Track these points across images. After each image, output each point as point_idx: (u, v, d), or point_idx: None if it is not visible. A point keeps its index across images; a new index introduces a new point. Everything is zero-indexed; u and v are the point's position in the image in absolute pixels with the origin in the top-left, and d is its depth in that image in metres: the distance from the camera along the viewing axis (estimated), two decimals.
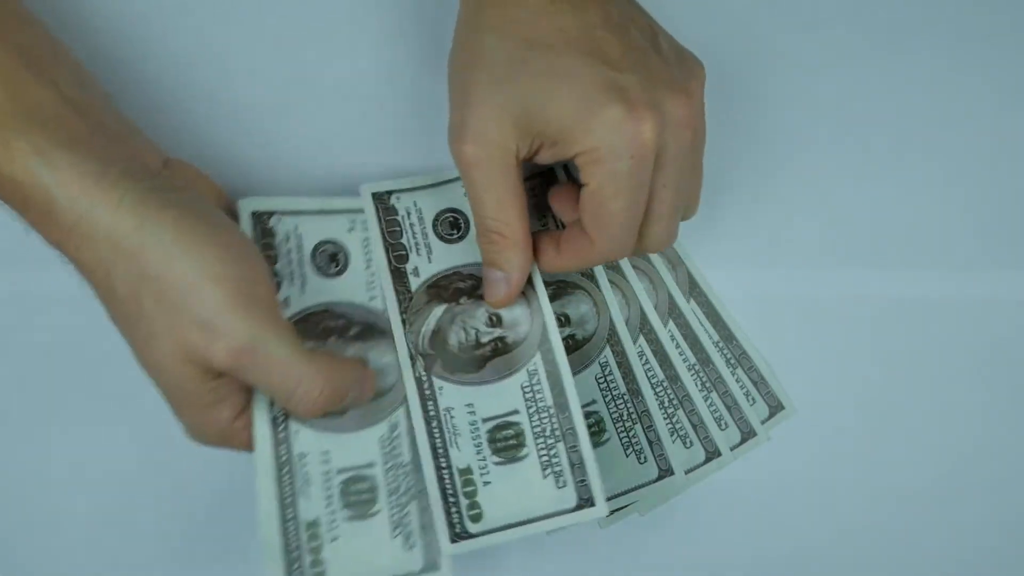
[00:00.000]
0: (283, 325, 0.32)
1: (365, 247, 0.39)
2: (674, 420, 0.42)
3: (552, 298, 0.40)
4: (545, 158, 0.34)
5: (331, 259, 0.38)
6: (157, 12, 0.42)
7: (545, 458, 0.37)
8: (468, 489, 0.36)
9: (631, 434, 0.41)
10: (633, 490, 0.41)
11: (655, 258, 0.43)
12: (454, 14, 0.36)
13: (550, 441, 0.37)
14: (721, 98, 0.44)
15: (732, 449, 0.42)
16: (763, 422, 0.43)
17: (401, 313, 0.39)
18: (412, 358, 0.38)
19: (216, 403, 0.33)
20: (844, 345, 0.43)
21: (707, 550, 0.42)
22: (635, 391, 0.42)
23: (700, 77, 0.36)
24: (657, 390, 0.42)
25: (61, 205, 0.31)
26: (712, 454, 0.42)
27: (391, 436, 0.36)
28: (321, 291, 0.37)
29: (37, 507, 0.41)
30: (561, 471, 0.36)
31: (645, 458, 0.41)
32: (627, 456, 0.41)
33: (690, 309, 0.43)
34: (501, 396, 0.38)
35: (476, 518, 0.36)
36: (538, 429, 0.37)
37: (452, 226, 0.40)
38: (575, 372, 0.40)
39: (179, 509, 0.41)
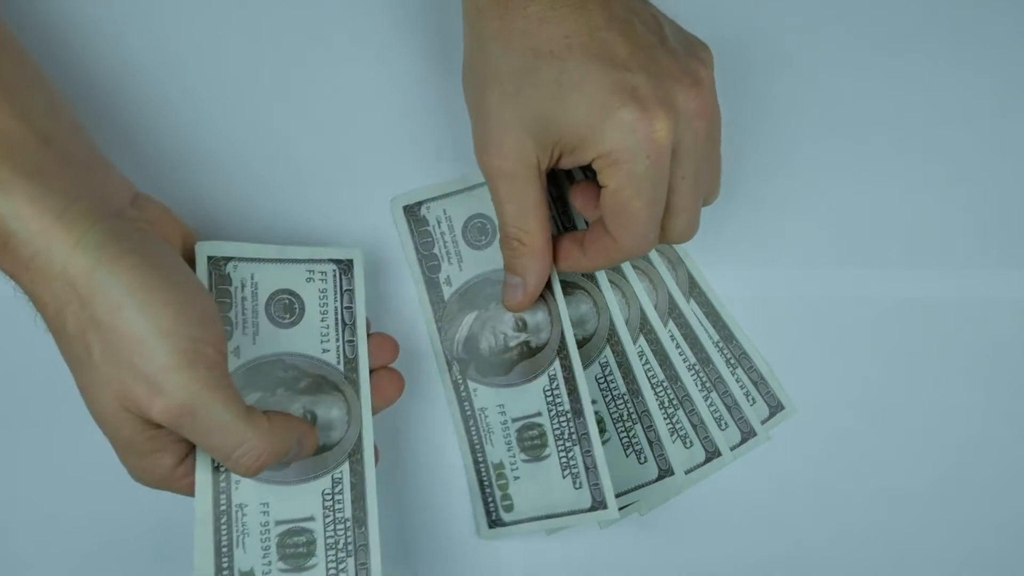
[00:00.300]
0: (226, 387, 0.32)
1: (322, 298, 0.38)
2: (674, 420, 0.42)
3: None
4: (567, 164, 0.35)
5: (286, 309, 0.38)
6: (139, 41, 0.42)
7: (564, 459, 0.39)
8: (501, 482, 0.40)
9: (631, 434, 0.42)
10: (633, 490, 0.41)
11: (655, 258, 0.43)
12: (448, 26, 0.36)
13: (568, 443, 0.39)
14: (721, 98, 0.44)
15: (732, 449, 0.42)
16: (763, 422, 0.43)
17: (436, 321, 0.41)
18: (448, 363, 0.41)
19: (156, 452, 0.33)
20: (844, 345, 0.43)
21: (707, 550, 0.42)
22: (635, 391, 0.42)
23: (708, 62, 0.36)
24: (657, 390, 0.42)
25: (19, 238, 0.30)
26: (712, 454, 0.42)
27: (333, 491, 0.36)
28: (273, 341, 0.37)
29: (38, 508, 0.41)
30: (578, 473, 0.39)
31: (645, 458, 0.41)
32: (627, 456, 0.41)
33: (690, 309, 0.43)
34: (527, 398, 0.40)
35: (508, 508, 0.40)
36: (558, 432, 0.39)
37: (480, 232, 0.41)
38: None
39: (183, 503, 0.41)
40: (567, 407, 0.39)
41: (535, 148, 0.34)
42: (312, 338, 0.38)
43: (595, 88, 0.32)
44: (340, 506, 0.36)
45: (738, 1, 0.45)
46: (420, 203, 0.42)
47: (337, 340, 0.38)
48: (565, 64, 0.33)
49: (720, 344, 0.43)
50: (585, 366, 0.41)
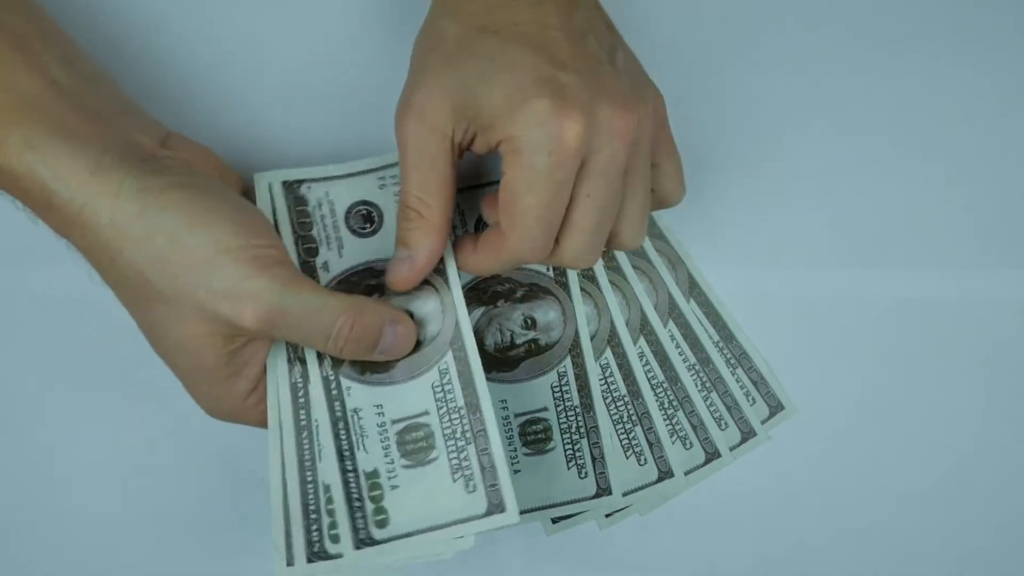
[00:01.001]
0: (302, 278, 0.33)
1: (397, 201, 0.39)
2: (674, 421, 0.42)
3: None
4: (480, 146, 0.34)
5: (365, 219, 0.39)
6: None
7: (570, 451, 0.40)
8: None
9: (631, 436, 0.42)
10: (633, 492, 0.41)
11: (655, 258, 0.43)
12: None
13: (576, 437, 0.40)
14: (721, 98, 0.44)
15: (732, 449, 0.42)
16: (763, 422, 0.43)
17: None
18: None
19: (233, 376, 0.34)
20: (844, 345, 0.44)
21: (707, 550, 0.42)
22: (635, 392, 0.42)
23: (652, 103, 0.35)
24: (657, 391, 0.42)
25: (61, 197, 0.31)
26: (712, 455, 0.42)
27: (442, 382, 0.36)
28: (359, 251, 0.38)
29: (42, 504, 0.41)
30: (584, 463, 0.39)
31: (645, 460, 0.41)
32: (627, 458, 0.41)
33: (690, 309, 0.43)
34: (533, 394, 0.40)
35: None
36: (564, 425, 0.40)
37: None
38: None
39: (184, 502, 0.41)
40: (576, 402, 0.40)
41: (453, 119, 0.33)
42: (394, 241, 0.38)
43: (523, 73, 0.32)
44: (452, 395, 0.36)
45: (738, 1, 0.44)
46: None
47: None
48: (505, 45, 0.33)
49: (720, 344, 0.43)
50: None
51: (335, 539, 0.34)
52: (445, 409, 0.36)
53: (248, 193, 0.38)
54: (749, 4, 0.45)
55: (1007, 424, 0.43)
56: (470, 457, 0.36)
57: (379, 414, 0.36)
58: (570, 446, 0.40)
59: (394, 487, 0.35)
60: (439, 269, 0.37)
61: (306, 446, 0.35)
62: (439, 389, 0.36)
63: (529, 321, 0.41)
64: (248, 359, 0.34)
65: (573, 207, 0.34)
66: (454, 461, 0.36)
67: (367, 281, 0.38)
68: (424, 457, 0.35)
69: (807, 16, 0.45)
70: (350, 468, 0.35)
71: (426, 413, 0.36)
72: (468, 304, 0.39)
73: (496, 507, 0.35)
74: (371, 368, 0.36)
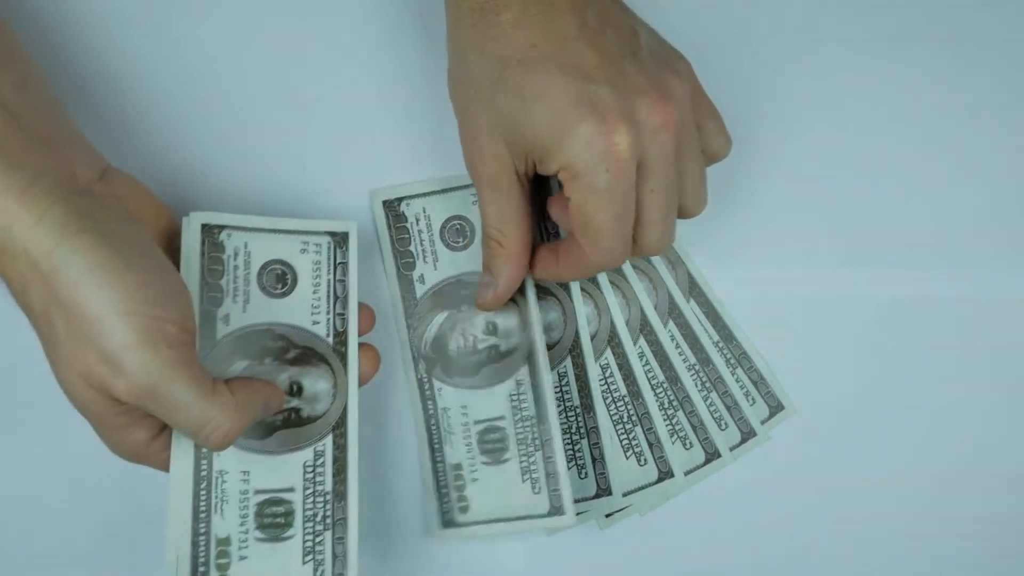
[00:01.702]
0: (189, 365, 0.32)
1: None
2: (674, 421, 0.42)
3: None
4: (543, 171, 0.35)
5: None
6: (124, 15, 0.42)
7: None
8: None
9: (631, 436, 0.42)
10: (633, 492, 0.41)
11: (655, 258, 0.43)
12: (432, 22, 0.36)
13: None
14: (721, 98, 0.44)
15: (732, 449, 0.42)
16: (763, 422, 0.43)
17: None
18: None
19: (128, 426, 0.33)
20: (844, 345, 0.44)
21: (707, 550, 0.42)
22: (635, 393, 0.42)
23: (684, 73, 0.35)
24: (657, 391, 0.42)
25: None
26: (712, 455, 0.42)
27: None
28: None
29: (38, 510, 0.41)
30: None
31: (645, 460, 0.41)
32: (627, 458, 0.41)
33: (690, 309, 0.43)
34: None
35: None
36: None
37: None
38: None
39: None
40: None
41: (511, 154, 0.35)
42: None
43: (557, 100, 0.33)
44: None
45: (738, 0, 0.44)
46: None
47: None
48: (530, 73, 0.33)
49: (720, 344, 0.43)
50: (586, 367, 0.41)
51: None
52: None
53: (178, 235, 0.37)
54: (749, 3, 0.45)
55: (1007, 424, 0.44)
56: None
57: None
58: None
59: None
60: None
61: (203, 497, 0.35)
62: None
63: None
64: (142, 415, 0.33)
65: (641, 205, 0.35)
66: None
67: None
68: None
69: (808, 15, 0.45)
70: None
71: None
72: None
73: (557, 509, 0.38)
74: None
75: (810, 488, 0.43)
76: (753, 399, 0.43)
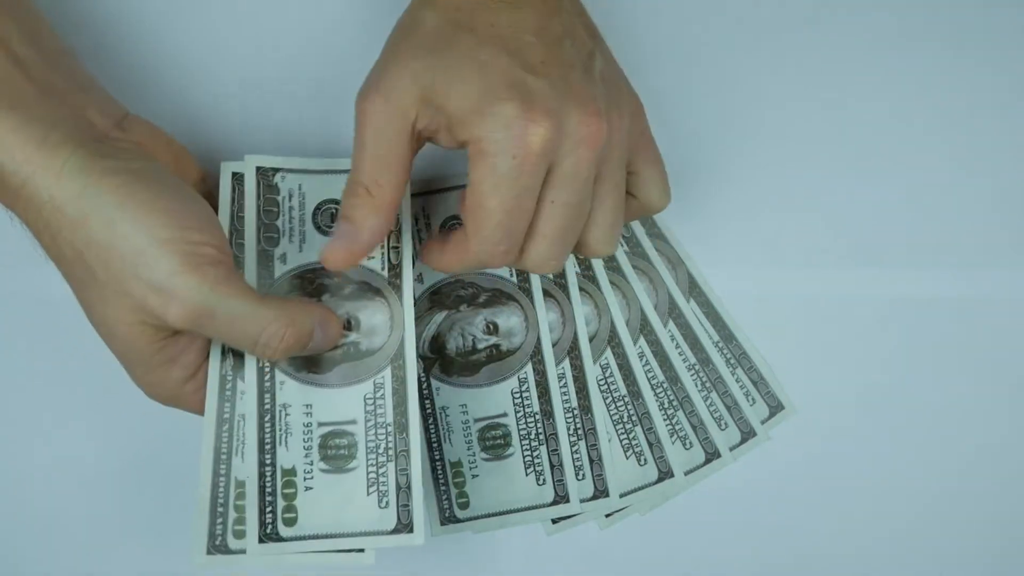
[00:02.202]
0: (235, 280, 0.33)
1: None
2: (674, 421, 0.42)
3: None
4: (445, 141, 0.34)
5: (333, 217, 0.38)
6: None
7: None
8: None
9: (631, 436, 0.42)
10: (633, 492, 0.41)
11: (655, 258, 0.43)
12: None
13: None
14: (721, 97, 0.44)
15: (732, 449, 0.42)
16: (763, 422, 0.43)
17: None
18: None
19: (166, 363, 0.34)
20: (844, 345, 0.43)
21: (707, 550, 0.42)
22: (635, 393, 0.42)
23: (627, 109, 0.35)
24: (657, 391, 0.42)
25: (7, 169, 0.31)
26: (712, 455, 0.42)
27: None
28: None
29: (37, 505, 0.41)
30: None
31: (645, 460, 0.41)
32: (627, 458, 0.41)
33: (690, 309, 0.43)
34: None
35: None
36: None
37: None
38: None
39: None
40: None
41: (417, 104, 0.33)
42: None
43: (495, 75, 0.32)
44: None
45: (739, 0, 0.44)
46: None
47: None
48: (480, 44, 0.33)
49: (720, 344, 0.43)
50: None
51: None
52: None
53: (206, 181, 0.38)
54: (750, 2, 0.45)
55: (1007, 424, 0.43)
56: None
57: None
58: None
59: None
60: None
61: (224, 439, 0.35)
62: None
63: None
64: (183, 348, 0.34)
65: (538, 213, 0.33)
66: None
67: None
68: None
69: (808, 14, 0.45)
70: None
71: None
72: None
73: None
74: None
75: (810, 488, 0.43)
76: (753, 399, 0.43)
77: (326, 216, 0.38)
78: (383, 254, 0.38)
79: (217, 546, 0.34)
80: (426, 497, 0.40)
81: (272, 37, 0.43)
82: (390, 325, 0.37)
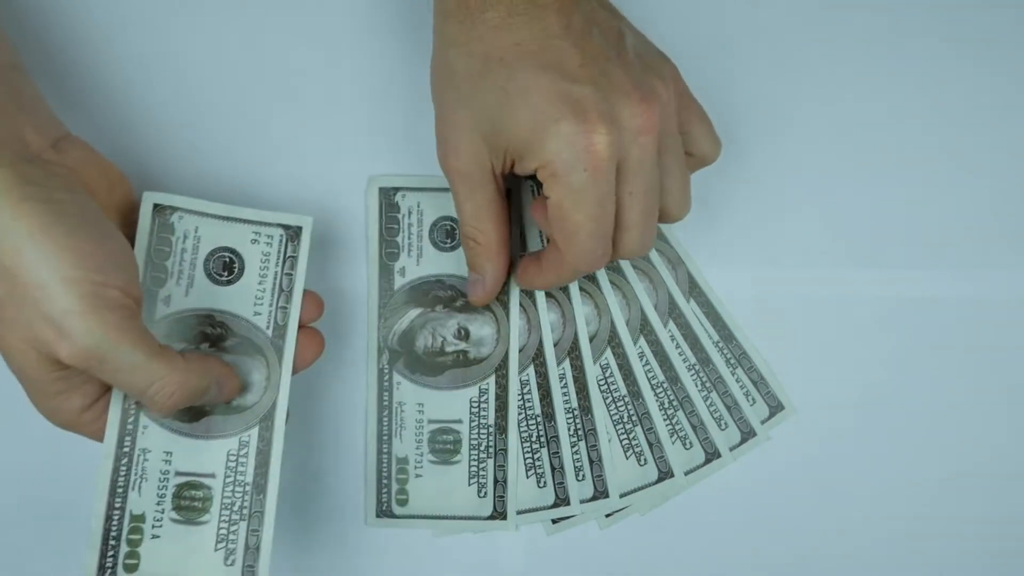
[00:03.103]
0: (135, 328, 0.32)
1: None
2: (674, 421, 0.42)
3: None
4: (520, 170, 0.35)
5: (225, 266, 0.38)
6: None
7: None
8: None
9: (631, 436, 0.42)
10: (634, 492, 0.41)
11: (655, 258, 0.43)
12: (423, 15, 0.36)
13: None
14: (721, 97, 0.44)
15: (732, 449, 0.42)
16: (763, 422, 0.43)
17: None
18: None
19: (63, 392, 0.33)
20: (844, 345, 0.44)
21: (707, 550, 0.42)
22: (636, 393, 0.42)
23: (668, 77, 0.35)
24: (657, 391, 0.42)
25: None
26: (712, 455, 0.42)
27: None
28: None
29: (35, 504, 0.41)
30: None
31: (645, 460, 0.41)
32: (627, 458, 0.41)
33: (690, 309, 0.43)
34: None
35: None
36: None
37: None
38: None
39: None
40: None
41: (488, 151, 0.35)
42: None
43: (539, 98, 0.32)
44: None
45: (738, 0, 0.44)
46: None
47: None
48: (513, 71, 0.33)
49: (720, 344, 0.43)
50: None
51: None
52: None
53: (136, 208, 0.37)
54: (748, 3, 0.45)
55: (1007, 424, 0.44)
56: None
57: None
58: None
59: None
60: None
61: (122, 473, 0.35)
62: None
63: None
64: (83, 379, 0.33)
65: (620, 207, 0.34)
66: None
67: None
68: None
69: (807, 14, 0.45)
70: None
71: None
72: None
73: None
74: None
75: (810, 488, 0.43)
76: (753, 399, 0.43)
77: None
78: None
79: None
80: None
81: (237, 78, 0.43)
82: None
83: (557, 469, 0.41)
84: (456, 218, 0.40)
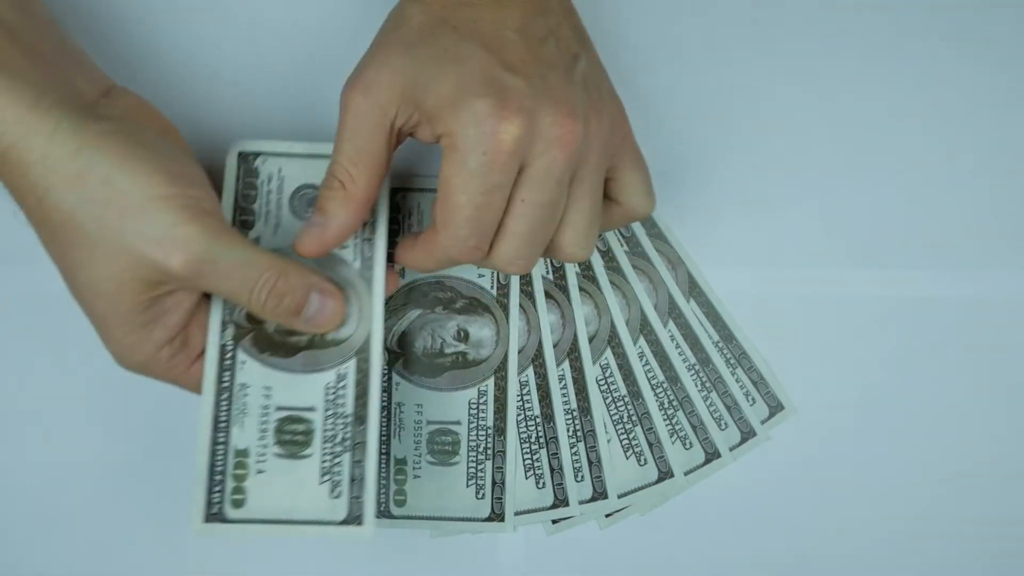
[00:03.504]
0: (233, 231, 0.33)
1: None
2: (674, 421, 0.42)
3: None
4: (423, 135, 0.34)
5: (309, 204, 0.38)
6: None
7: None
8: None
9: (631, 436, 0.42)
10: (633, 492, 0.41)
11: (655, 258, 0.43)
12: None
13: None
14: (721, 98, 0.44)
15: (732, 449, 0.42)
16: (763, 422, 0.43)
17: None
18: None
19: (149, 323, 0.33)
20: (844, 345, 0.44)
21: (707, 550, 0.42)
22: (635, 393, 0.42)
23: (608, 113, 0.34)
24: (657, 391, 0.42)
25: None
26: (712, 455, 0.42)
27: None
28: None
29: (38, 501, 0.41)
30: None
31: (645, 460, 0.41)
32: (627, 458, 0.42)
33: (690, 309, 0.43)
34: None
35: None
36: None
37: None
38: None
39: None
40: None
41: (398, 100, 0.33)
42: None
43: (472, 70, 0.32)
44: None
45: (738, 0, 0.44)
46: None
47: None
48: (460, 39, 0.33)
49: (720, 344, 0.43)
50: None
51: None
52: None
53: (191, 156, 0.37)
54: (748, 3, 0.45)
55: (1007, 424, 0.44)
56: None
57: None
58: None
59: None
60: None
61: (224, 408, 0.35)
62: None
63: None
64: (169, 308, 0.34)
65: (508, 211, 0.33)
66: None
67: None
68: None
69: (807, 14, 0.45)
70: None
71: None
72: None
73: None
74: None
75: (810, 488, 0.43)
76: (753, 399, 0.43)
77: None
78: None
79: (214, 515, 0.35)
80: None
81: (266, 24, 0.43)
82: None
83: (556, 470, 0.41)
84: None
